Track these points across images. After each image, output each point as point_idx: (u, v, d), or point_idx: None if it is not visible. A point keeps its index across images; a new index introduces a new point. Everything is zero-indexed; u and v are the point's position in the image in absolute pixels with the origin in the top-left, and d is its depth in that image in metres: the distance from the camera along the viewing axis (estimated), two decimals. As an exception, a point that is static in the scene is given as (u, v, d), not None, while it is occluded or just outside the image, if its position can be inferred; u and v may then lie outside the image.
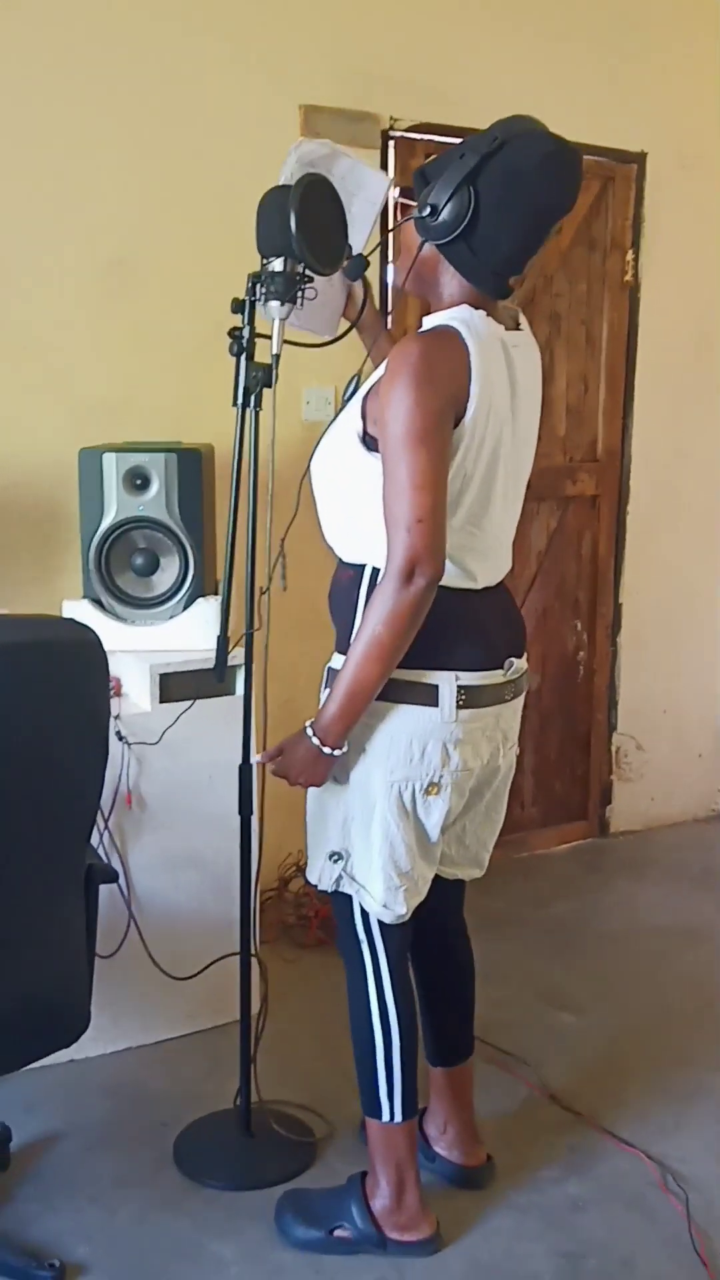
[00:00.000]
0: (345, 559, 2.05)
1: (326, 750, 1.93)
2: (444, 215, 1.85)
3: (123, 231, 2.99)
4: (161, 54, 2.97)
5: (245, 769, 2.34)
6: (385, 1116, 2.09)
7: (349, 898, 2.05)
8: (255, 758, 2.11)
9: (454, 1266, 2.11)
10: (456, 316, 1.89)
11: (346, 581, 2.01)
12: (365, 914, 2.05)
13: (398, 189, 2.43)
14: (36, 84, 2.84)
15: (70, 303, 2.96)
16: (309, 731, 1.94)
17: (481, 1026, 2.69)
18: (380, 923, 2.04)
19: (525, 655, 2.10)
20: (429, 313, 1.96)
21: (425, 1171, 2.25)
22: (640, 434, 3.96)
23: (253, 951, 2.44)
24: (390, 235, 2.05)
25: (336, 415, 2.01)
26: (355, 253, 2.12)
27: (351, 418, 1.96)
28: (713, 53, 3.86)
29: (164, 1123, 2.47)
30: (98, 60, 2.90)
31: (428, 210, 1.86)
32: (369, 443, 1.92)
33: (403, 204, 2.09)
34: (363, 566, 1.99)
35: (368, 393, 1.95)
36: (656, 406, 3.97)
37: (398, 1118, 2.09)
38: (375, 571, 1.95)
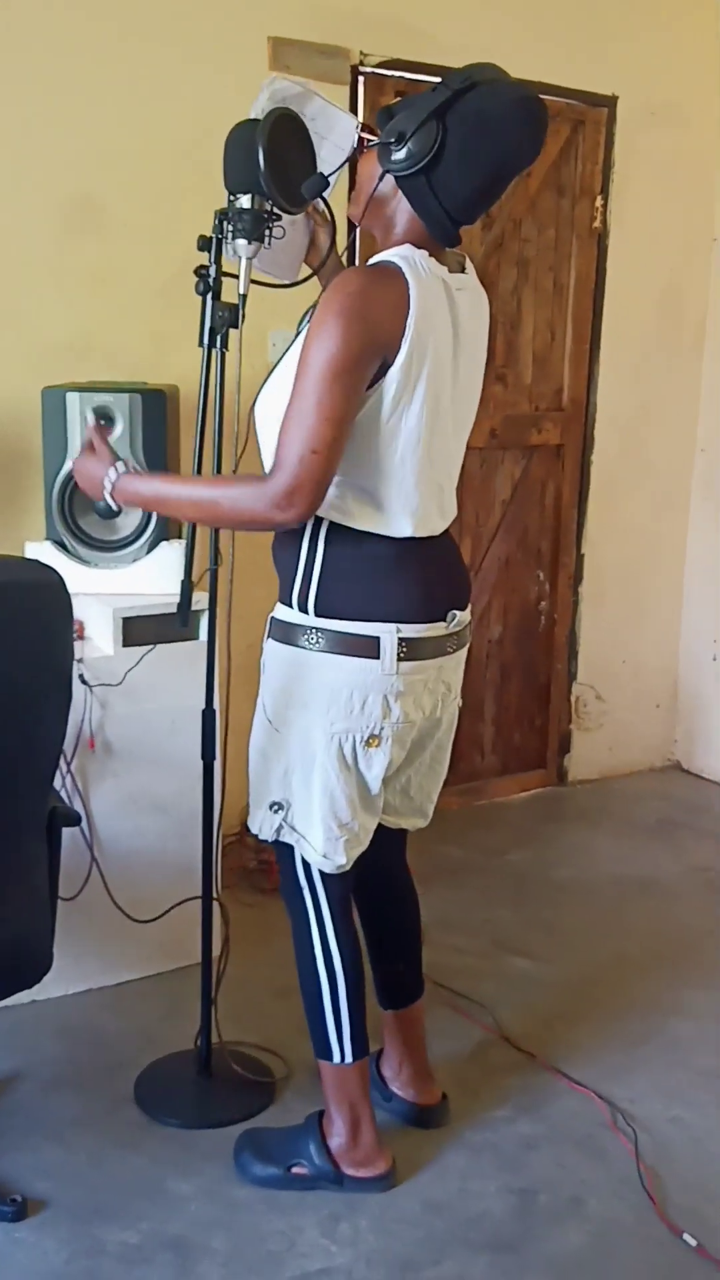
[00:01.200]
0: None
1: (107, 489, 2.01)
2: (410, 145, 1.81)
3: (86, 166, 2.92)
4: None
5: (208, 714, 2.34)
6: (336, 1058, 2.12)
7: (290, 848, 2.07)
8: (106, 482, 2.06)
9: (406, 1203, 2.15)
10: (399, 254, 1.86)
11: (289, 531, 1.99)
12: (306, 863, 2.06)
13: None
14: (-2, 9, 2.76)
15: (32, 239, 2.89)
16: (115, 472, 1.99)
17: (438, 971, 2.73)
18: (321, 872, 2.06)
19: (469, 608, 2.09)
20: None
21: (382, 1110, 2.29)
22: (606, 383, 3.95)
23: (214, 895, 2.45)
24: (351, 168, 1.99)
25: (281, 358, 1.95)
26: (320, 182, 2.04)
27: (294, 365, 1.90)
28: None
29: (123, 1063, 2.49)
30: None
31: (394, 137, 1.83)
32: None
33: (365, 137, 2.04)
34: None
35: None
36: (623, 356, 3.96)
37: (348, 1059, 2.12)
38: (318, 520, 1.94)
